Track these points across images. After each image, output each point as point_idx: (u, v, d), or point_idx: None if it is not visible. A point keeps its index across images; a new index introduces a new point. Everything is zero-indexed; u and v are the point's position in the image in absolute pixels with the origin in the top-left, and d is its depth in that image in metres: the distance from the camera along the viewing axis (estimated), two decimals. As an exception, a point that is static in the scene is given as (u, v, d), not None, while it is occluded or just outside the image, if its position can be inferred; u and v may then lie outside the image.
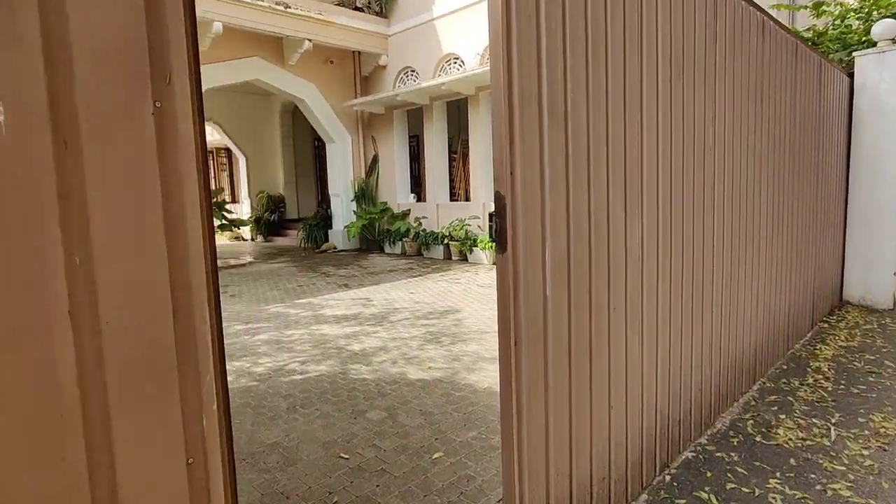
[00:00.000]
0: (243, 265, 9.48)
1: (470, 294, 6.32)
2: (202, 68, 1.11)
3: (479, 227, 9.19)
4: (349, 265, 9.06)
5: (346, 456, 2.55)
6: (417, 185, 11.92)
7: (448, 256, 9.36)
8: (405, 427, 2.83)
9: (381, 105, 10.70)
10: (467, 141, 9.83)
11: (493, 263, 8.62)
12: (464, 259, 9.09)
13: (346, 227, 10.79)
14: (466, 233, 8.95)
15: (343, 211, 11.31)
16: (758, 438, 2.61)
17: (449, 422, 2.88)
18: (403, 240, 10.07)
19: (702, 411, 2.68)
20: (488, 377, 3.52)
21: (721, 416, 2.86)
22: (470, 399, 3.18)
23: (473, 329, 4.73)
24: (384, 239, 10.49)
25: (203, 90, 1.12)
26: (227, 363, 1.12)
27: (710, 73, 2.60)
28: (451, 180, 10.55)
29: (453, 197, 10.59)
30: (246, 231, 14.89)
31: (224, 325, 5.24)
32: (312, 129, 14.95)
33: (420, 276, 7.74)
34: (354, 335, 4.65)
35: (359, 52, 11.05)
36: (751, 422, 2.79)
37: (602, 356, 1.96)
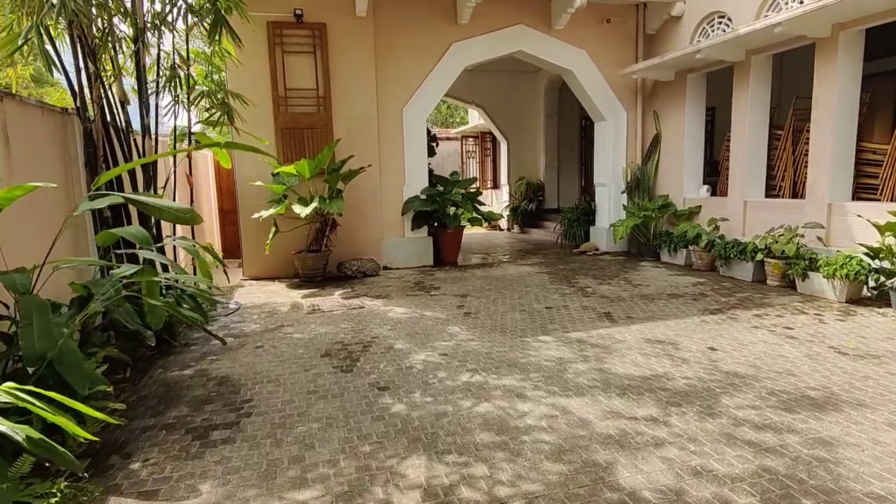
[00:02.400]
0: (491, 265, 8.42)
1: (827, 367, 3.77)
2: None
3: (819, 238, 6.12)
4: (613, 278, 7.11)
5: None
6: (713, 174, 9.04)
7: (760, 279, 6.56)
8: None
9: (671, 69, 8.23)
10: (806, 111, 6.68)
11: (848, 301, 5.54)
12: (789, 286, 6.19)
13: (612, 225, 8.77)
14: (797, 247, 6.02)
15: (610, 204, 9.29)
16: None
17: None
18: (690, 248, 7.57)
19: None
20: None
21: None
22: None
23: (874, 476, 2.40)
24: (661, 244, 8.14)
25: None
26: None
27: None
28: (771, 168, 7.50)
29: (772, 191, 7.53)
30: (504, 220, 14.11)
31: (444, 365, 3.99)
32: (580, 108, 13.16)
33: (720, 311, 5.34)
34: (637, 437, 2.84)
35: (644, 4, 8.72)
36: None
37: None
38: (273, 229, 6.98)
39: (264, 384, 3.70)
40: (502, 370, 3.85)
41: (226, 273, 5.60)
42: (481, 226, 13.67)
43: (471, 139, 17.88)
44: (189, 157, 6.68)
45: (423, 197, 8.17)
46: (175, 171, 5.66)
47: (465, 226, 8.77)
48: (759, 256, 6.37)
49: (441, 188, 8.46)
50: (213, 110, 6.22)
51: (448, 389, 3.52)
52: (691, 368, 3.81)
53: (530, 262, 8.55)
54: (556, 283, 6.85)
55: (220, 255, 8.35)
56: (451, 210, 8.41)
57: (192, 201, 6.66)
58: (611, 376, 3.69)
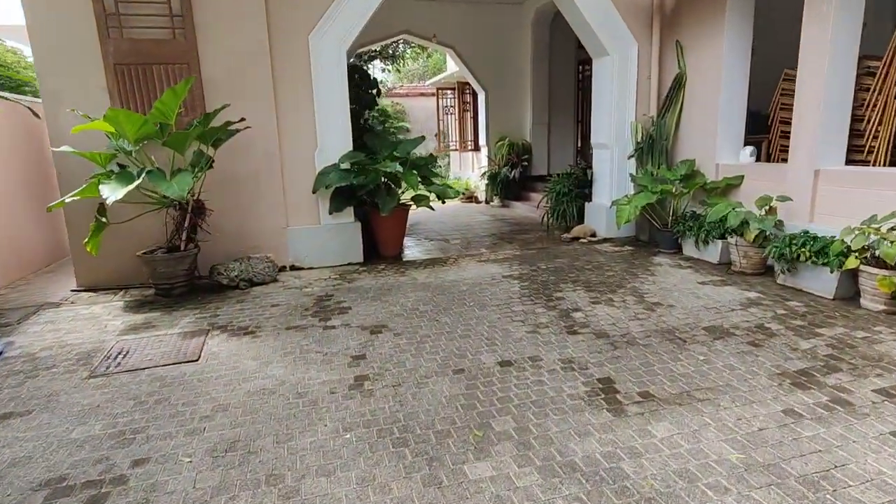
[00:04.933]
0: (444, 261, 6.01)
1: None
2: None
3: (959, 236, 3.70)
4: (616, 289, 4.72)
5: None
6: (757, 131, 6.52)
7: (848, 295, 4.18)
8: None
9: (706, -26, 5.61)
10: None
11: None
12: (902, 312, 3.82)
13: (614, 202, 6.30)
14: (925, 252, 3.61)
15: (612, 173, 6.80)
16: None
17: None
18: (729, 239, 5.15)
19: None
20: None
21: None
22: None
23: None
24: (685, 231, 5.71)
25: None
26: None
27: None
28: (858, 121, 5.00)
29: (856, 154, 5.06)
30: (481, 191, 11.61)
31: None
32: (577, 47, 10.48)
33: (810, 378, 2.99)
34: None
35: None
36: None
37: None
38: (95, 221, 4.53)
39: None
40: None
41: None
42: (450, 199, 11.08)
43: (448, 92, 15.13)
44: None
45: (345, 166, 5.69)
46: None
47: (409, 205, 6.31)
48: (852, 262, 3.96)
49: (376, 154, 5.97)
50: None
51: None
52: None
53: (500, 257, 6.14)
54: (528, 300, 4.46)
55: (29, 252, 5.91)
56: (388, 184, 5.95)
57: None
58: None
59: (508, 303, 4.42)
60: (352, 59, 19.87)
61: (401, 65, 22.07)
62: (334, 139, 5.69)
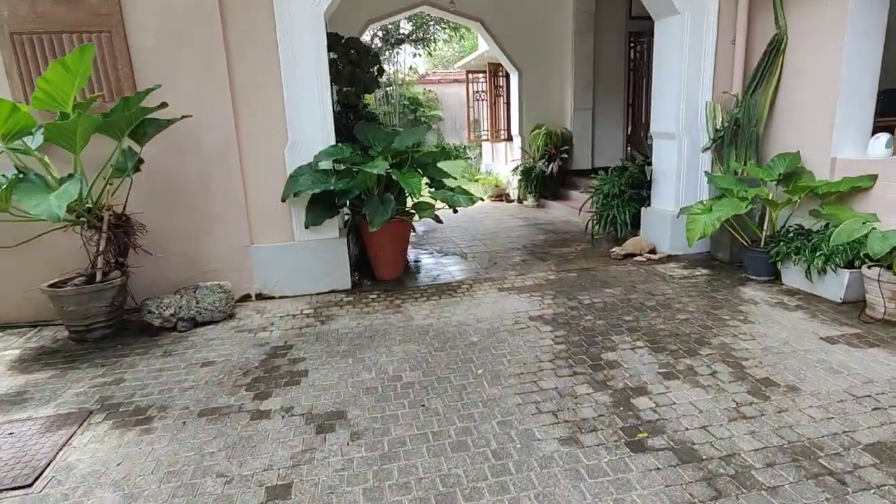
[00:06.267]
0: (454, 289, 4.59)
1: None
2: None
3: None
4: (699, 342, 3.20)
5: None
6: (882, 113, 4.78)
7: None
8: None
9: None
10: None
11: None
12: None
13: (683, 209, 4.71)
14: None
15: (680, 170, 5.20)
16: None
17: None
18: (866, 271, 3.52)
19: None
20: None
21: None
22: None
23: None
24: (788, 252, 4.09)
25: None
26: None
27: None
28: None
29: None
30: (513, 188, 10.10)
31: None
32: (628, 15, 8.80)
33: None
34: None
35: None
36: None
37: None
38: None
39: None
40: None
41: None
42: (486, 194, 9.47)
43: (480, 76, 13.59)
44: None
45: (325, 166, 4.33)
46: None
47: (411, 215, 4.91)
48: None
49: (370, 149, 4.60)
50: None
51: None
52: None
53: (530, 282, 4.67)
54: (564, 365, 3.01)
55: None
56: (380, 189, 4.58)
57: None
58: None
59: (535, 370, 2.98)
60: (369, 37, 18.54)
61: (432, 49, 20.60)
62: (310, 130, 4.34)
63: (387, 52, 19.52)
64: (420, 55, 21.37)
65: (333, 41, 5.45)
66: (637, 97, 9.23)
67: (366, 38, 18.56)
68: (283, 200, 4.30)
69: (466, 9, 8.78)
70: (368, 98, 8.47)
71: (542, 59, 9.21)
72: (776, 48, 4.69)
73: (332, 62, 5.27)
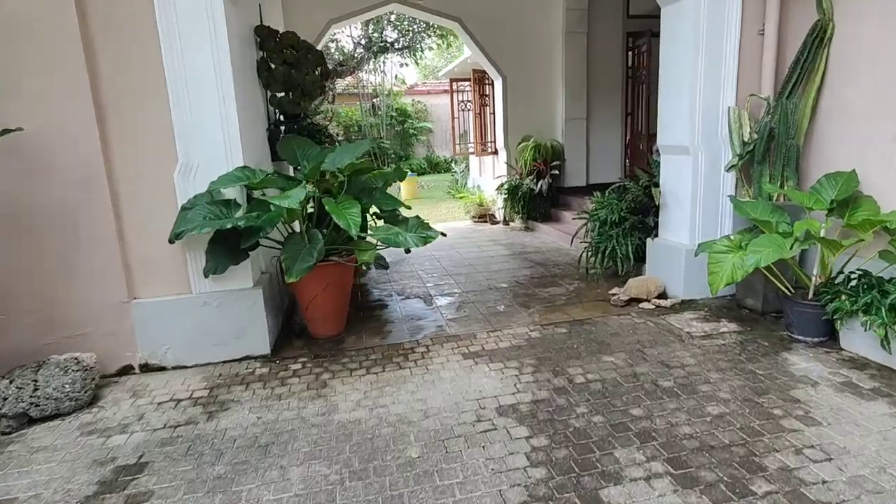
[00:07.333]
0: (407, 351, 3.49)
1: None
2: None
3: None
4: (747, 468, 2.10)
5: None
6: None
7: None
8: None
9: None
10: None
11: None
12: None
13: (703, 245, 3.62)
14: None
15: (696, 193, 4.11)
16: None
17: None
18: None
19: None
20: None
21: None
22: None
23: None
24: (851, 307, 2.99)
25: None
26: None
27: None
28: None
29: None
30: (498, 207, 9.03)
31: None
32: (625, 13, 7.81)
33: None
34: None
35: None
36: None
37: None
38: None
39: None
40: None
41: None
42: (467, 214, 8.27)
43: (465, 84, 12.60)
44: None
45: (228, 196, 3.24)
46: None
47: (350, 257, 3.78)
48: None
49: (296, 170, 3.52)
50: None
51: None
52: None
53: (504, 344, 3.56)
54: (544, 519, 1.91)
55: None
56: (307, 225, 3.48)
57: None
58: None
59: (497, 527, 1.88)
60: (355, 49, 17.58)
61: (419, 57, 19.65)
62: (210, 148, 3.26)
63: (370, 61, 18.59)
64: (407, 65, 20.46)
65: (265, 36, 4.39)
66: (637, 105, 8.21)
67: (347, 45, 17.72)
68: (171, 242, 3.20)
69: (443, 6, 7.77)
70: (322, 107, 7.41)
71: (528, 63, 8.19)
72: (819, 38, 3.64)
73: (261, 62, 4.23)
